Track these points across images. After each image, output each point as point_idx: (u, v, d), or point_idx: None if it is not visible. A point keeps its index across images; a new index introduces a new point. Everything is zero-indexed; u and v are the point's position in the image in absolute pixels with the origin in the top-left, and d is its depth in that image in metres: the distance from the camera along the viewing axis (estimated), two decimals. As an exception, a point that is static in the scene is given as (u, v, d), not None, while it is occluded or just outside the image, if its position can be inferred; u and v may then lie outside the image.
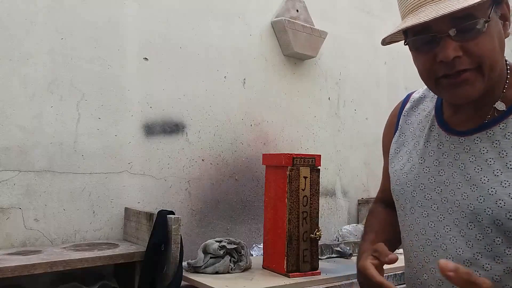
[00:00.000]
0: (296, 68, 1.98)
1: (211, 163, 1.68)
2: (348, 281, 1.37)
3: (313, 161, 1.41)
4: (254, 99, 1.83)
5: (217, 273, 1.35)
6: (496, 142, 0.81)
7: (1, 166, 1.26)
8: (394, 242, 1.06)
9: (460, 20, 0.74)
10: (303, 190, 1.38)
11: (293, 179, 1.36)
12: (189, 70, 1.64)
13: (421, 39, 0.79)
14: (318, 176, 1.42)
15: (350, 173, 2.17)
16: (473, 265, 0.82)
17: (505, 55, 0.85)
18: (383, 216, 1.08)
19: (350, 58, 2.17)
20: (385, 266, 0.95)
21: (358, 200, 2.18)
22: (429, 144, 0.92)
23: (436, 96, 0.96)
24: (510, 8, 0.82)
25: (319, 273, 1.35)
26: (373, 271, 0.86)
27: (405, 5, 0.82)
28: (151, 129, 1.54)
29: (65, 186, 1.37)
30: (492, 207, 0.79)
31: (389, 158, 1.02)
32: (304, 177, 1.38)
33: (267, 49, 1.88)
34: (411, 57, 0.86)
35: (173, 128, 1.60)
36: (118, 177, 1.46)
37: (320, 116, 2.06)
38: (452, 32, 0.75)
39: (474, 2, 0.70)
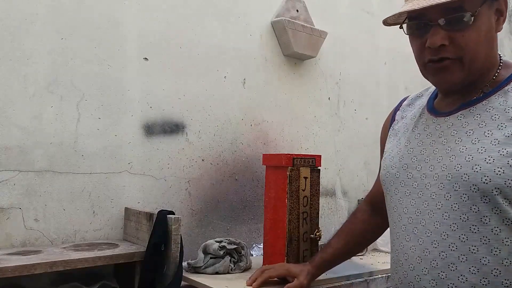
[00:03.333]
0: (296, 68, 1.98)
1: (211, 163, 1.68)
2: (348, 281, 1.37)
3: (313, 161, 1.41)
4: (254, 99, 1.83)
5: (217, 273, 1.35)
6: (477, 115, 0.86)
7: (1, 166, 1.26)
8: (351, 250, 1.26)
9: (450, 11, 0.81)
10: (303, 190, 1.38)
11: (293, 179, 1.36)
12: (189, 70, 1.64)
13: (416, 24, 0.87)
14: (319, 177, 1.42)
15: (350, 173, 2.17)
16: (449, 237, 0.82)
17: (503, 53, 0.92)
18: (353, 226, 1.23)
19: (350, 58, 2.17)
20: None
21: (358, 200, 2.18)
22: (416, 128, 0.98)
23: (431, 93, 1.02)
24: (508, 5, 0.88)
25: (320, 274, 1.35)
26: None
27: None
28: (151, 129, 1.54)
29: (65, 186, 1.36)
30: (469, 172, 0.81)
31: (382, 153, 1.10)
32: (304, 177, 1.38)
33: (267, 49, 1.88)
34: (412, 57, 0.93)
35: (173, 128, 1.59)
36: (118, 177, 1.46)
37: (320, 116, 2.06)
38: (441, 21, 0.82)
39: None
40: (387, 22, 0.95)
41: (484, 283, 0.79)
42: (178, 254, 1.24)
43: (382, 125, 1.18)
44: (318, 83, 2.06)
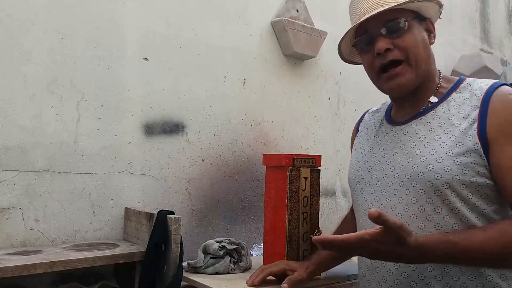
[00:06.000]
0: (296, 68, 1.98)
1: (211, 163, 1.68)
2: (349, 282, 1.37)
3: (313, 161, 1.41)
4: (254, 99, 1.83)
5: (217, 273, 1.35)
6: (428, 123, 1.02)
7: (1, 166, 1.26)
8: None
9: (388, 22, 1.00)
10: (303, 190, 1.38)
11: (293, 179, 1.36)
12: (189, 70, 1.64)
13: (363, 39, 1.04)
14: (319, 177, 1.42)
15: (350, 173, 2.17)
16: (410, 226, 0.96)
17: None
18: (343, 230, 1.24)
19: (350, 58, 2.17)
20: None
21: (358, 200, 2.18)
22: (377, 136, 1.14)
23: (387, 105, 1.19)
24: (434, 25, 1.08)
25: (319, 274, 1.35)
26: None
27: (352, 22, 1.09)
28: (151, 129, 1.54)
29: (65, 186, 1.36)
30: (424, 171, 0.96)
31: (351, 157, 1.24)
32: (304, 177, 1.38)
33: (267, 49, 1.88)
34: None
35: (173, 128, 1.59)
36: (118, 177, 1.46)
37: (320, 116, 2.06)
38: (383, 31, 1.00)
39: (393, 5, 0.98)
40: (343, 57, 1.21)
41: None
42: (178, 254, 1.24)
43: None
44: (318, 83, 2.06)
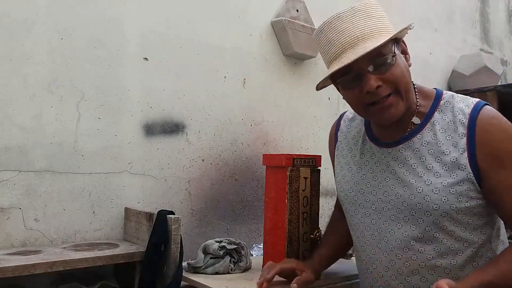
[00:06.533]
0: (296, 68, 1.98)
1: (211, 163, 1.68)
2: (349, 282, 1.37)
3: (314, 161, 1.41)
4: (254, 99, 1.83)
5: (217, 273, 1.35)
6: (416, 149, 1.03)
7: (1, 166, 1.26)
8: (341, 247, 1.33)
9: (374, 58, 0.96)
10: (303, 190, 1.38)
11: (293, 179, 1.36)
12: (189, 70, 1.64)
13: (348, 78, 0.99)
14: (319, 177, 1.42)
15: (350, 173, 2.17)
16: (410, 250, 1.02)
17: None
18: (335, 228, 1.34)
19: (350, 58, 2.17)
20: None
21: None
22: (363, 156, 1.14)
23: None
24: (407, 45, 1.06)
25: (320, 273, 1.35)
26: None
27: (328, 54, 1.02)
28: (151, 129, 1.54)
29: (65, 186, 1.36)
30: (422, 202, 1.00)
31: (334, 169, 1.25)
32: (304, 177, 1.38)
33: (267, 49, 1.88)
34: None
35: (173, 128, 1.59)
36: (118, 177, 1.46)
37: (320, 116, 2.06)
38: (370, 68, 0.97)
39: (381, 43, 0.93)
40: (318, 87, 1.12)
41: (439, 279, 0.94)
42: (178, 254, 1.24)
43: None
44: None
